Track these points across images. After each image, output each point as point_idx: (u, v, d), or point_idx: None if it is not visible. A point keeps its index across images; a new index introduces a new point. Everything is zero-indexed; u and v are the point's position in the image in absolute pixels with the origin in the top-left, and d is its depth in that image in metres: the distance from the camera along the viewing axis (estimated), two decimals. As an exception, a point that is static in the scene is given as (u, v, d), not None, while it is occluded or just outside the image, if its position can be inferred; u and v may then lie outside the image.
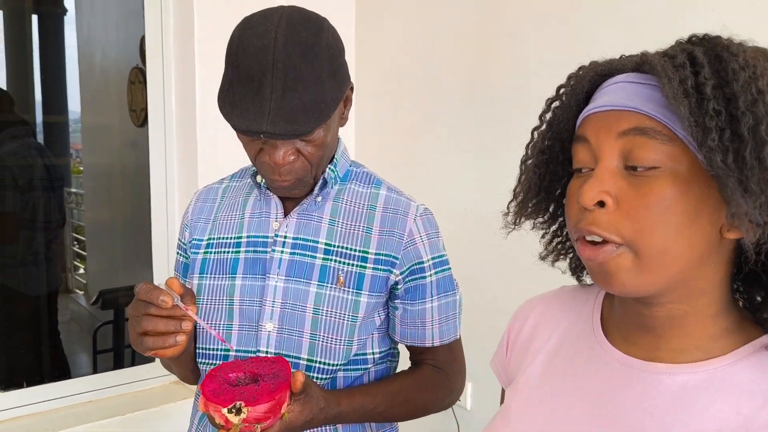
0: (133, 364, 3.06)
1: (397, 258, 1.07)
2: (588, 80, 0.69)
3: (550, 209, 0.78)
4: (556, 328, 0.79)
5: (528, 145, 0.76)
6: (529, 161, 0.75)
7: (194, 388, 2.13)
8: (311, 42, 0.94)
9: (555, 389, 0.73)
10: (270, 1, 1.12)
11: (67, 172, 4.24)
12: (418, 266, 1.08)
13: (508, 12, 1.94)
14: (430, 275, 1.09)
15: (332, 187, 1.11)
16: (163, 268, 2.25)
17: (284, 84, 0.91)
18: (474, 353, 2.10)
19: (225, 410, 0.86)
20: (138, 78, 3.26)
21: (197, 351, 1.13)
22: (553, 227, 0.79)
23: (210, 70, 2.08)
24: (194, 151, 2.12)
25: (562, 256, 0.81)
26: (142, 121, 3.21)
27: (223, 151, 2.07)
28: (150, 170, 2.21)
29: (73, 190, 4.32)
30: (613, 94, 0.65)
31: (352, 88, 1.07)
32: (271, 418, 0.89)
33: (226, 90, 0.97)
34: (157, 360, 2.22)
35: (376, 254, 1.07)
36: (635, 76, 0.65)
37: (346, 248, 1.08)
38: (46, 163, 2.74)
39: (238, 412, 0.86)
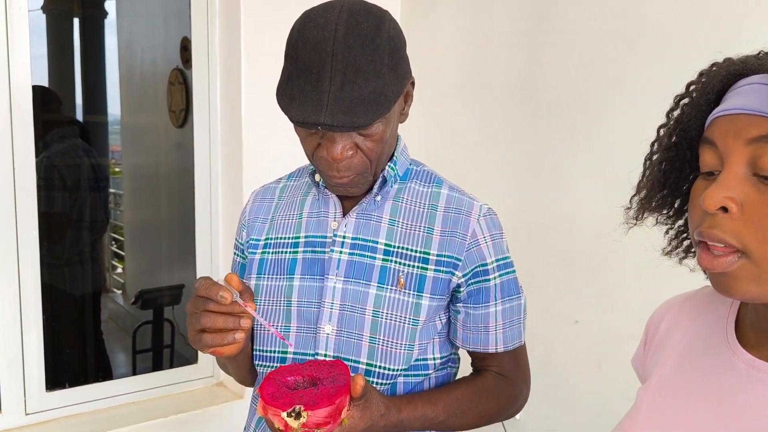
0: (171, 365, 3.09)
1: (459, 259, 1.03)
2: (720, 79, 0.67)
3: (676, 205, 0.76)
4: (690, 328, 0.78)
5: (653, 143, 0.75)
6: (654, 157, 0.74)
7: (238, 391, 2.14)
8: (372, 34, 0.91)
9: (683, 389, 0.73)
10: (317, -1, 1.10)
11: (106, 173, 4.30)
12: (481, 268, 1.04)
13: (562, 5, 1.89)
14: (494, 278, 1.06)
15: (392, 186, 1.08)
16: (206, 268, 2.24)
17: (343, 75, 0.89)
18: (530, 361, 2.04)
19: (284, 414, 0.84)
20: (177, 79, 3.27)
21: (255, 353, 1.11)
22: (679, 222, 0.78)
23: (255, 70, 2.07)
24: (239, 151, 2.11)
25: (691, 254, 0.79)
26: (181, 122, 3.23)
27: (268, 152, 2.06)
28: (195, 171, 2.21)
29: (112, 190, 4.38)
30: (745, 97, 0.62)
31: (413, 83, 1.04)
32: (330, 423, 0.86)
33: (285, 83, 0.95)
34: (199, 361, 2.22)
35: (437, 255, 1.04)
36: None
37: (407, 249, 1.04)
38: (92, 163, 2.77)
39: (298, 416, 0.84)
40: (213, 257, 2.25)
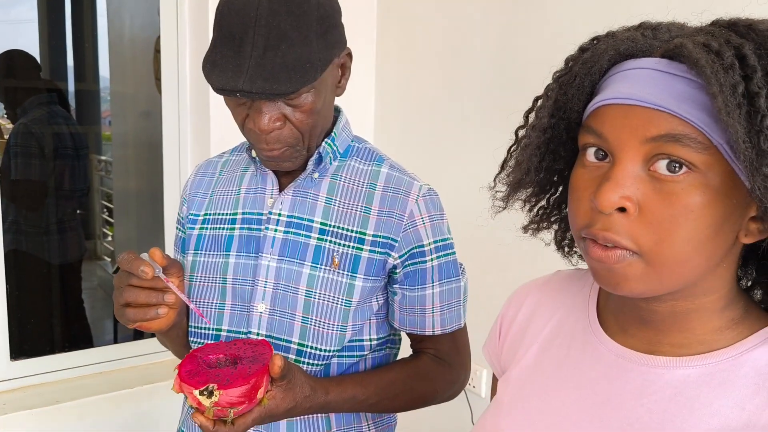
0: (153, 334, 3.09)
1: (396, 240, 1.01)
2: (608, 58, 0.60)
3: (546, 187, 0.71)
4: (551, 317, 0.75)
5: (527, 114, 0.69)
6: (530, 137, 0.67)
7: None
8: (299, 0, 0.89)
9: (548, 380, 0.70)
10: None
11: (98, 140, 4.27)
12: (418, 250, 1.02)
13: (537, -18, 1.84)
14: (431, 259, 1.03)
15: (330, 164, 1.05)
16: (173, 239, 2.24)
17: (266, 41, 0.87)
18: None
19: (196, 392, 0.85)
20: (164, 46, 3.23)
21: (189, 330, 1.10)
22: (542, 203, 0.73)
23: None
24: (207, 120, 2.08)
25: (544, 226, 0.75)
26: (168, 90, 3.19)
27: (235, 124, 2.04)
28: (163, 140, 2.19)
29: (103, 157, 4.36)
30: (639, 85, 0.55)
31: (350, 55, 1.01)
32: (246, 404, 0.86)
33: (210, 52, 0.93)
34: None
35: (373, 236, 1.02)
36: (666, 65, 0.55)
37: (343, 228, 1.02)
38: (71, 130, 2.74)
39: (210, 394, 0.84)
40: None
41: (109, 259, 4.40)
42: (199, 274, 1.08)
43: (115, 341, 3.13)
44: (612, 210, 0.55)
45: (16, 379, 1.91)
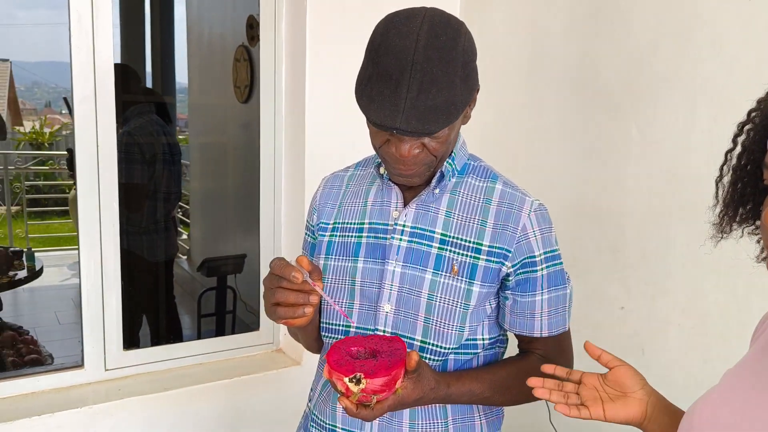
0: (233, 330, 3.28)
1: (509, 251, 1.12)
2: None
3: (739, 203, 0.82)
4: None
5: (721, 166, 0.81)
6: (726, 179, 0.80)
7: (296, 357, 2.29)
8: (449, 46, 0.99)
9: (758, 379, 0.78)
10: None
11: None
12: (529, 260, 1.13)
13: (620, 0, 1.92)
14: (541, 269, 1.14)
15: (450, 180, 1.16)
16: (269, 240, 2.37)
17: (420, 85, 0.97)
18: (578, 342, 2.11)
19: (346, 379, 0.96)
20: (243, 56, 3.41)
21: (321, 325, 1.23)
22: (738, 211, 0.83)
23: (320, 47, 2.15)
24: (302, 129, 2.20)
25: (728, 231, 0.84)
26: (245, 97, 3.37)
27: (329, 130, 2.16)
28: (260, 148, 2.32)
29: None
30: None
31: (478, 90, 1.12)
32: (386, 392, 0.98)
33: (364, 84, 1.03)
34: (261, 328, 2.37)
35: (489, 246, 1.13)
36: None
37: (461, 239, 1.14)
38: (168, 138, 2.94)
39: (358, 382, 0.95)
40: (275, 230, 2.38)
41: (184, 257, 4.63)
42: (331, 277, 1.21)
43: (198, 335, 3.34)
44: None
45: (129, 367, 2.09)
